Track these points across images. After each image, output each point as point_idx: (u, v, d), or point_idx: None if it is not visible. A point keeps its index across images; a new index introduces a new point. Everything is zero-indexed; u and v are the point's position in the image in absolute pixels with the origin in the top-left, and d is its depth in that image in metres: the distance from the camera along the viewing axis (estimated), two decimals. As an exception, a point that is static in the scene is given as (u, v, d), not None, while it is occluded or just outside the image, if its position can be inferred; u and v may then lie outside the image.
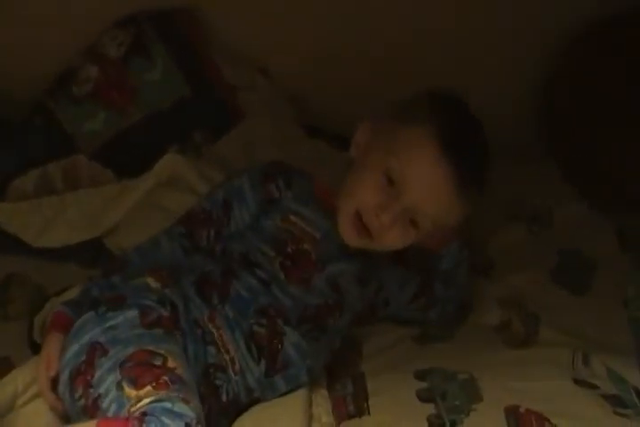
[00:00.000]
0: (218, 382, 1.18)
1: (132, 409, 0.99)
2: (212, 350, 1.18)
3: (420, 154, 1.19)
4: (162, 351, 1.07)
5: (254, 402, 1.21)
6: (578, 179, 1.75)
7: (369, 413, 1.19)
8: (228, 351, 1.19)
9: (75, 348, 1.13)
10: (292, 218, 1.27)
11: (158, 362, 1.05)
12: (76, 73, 1.75)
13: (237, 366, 1.19)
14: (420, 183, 1.19)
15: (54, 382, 1.16)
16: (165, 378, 1.02)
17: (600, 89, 1.70)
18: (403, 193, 1.19)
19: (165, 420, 0.96)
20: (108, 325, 1.12)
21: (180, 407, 0.98)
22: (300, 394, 1.22)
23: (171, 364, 1.06)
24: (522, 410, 1.13)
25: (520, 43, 1.82)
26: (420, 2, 1.78)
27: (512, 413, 1.13)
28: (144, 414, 0.97)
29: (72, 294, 1.37)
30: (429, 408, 1.16)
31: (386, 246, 1.25)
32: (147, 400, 0.99)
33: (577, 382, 1.20)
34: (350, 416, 1.19)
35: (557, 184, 1.76)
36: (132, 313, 1.13)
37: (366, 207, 1.21)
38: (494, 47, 1.83)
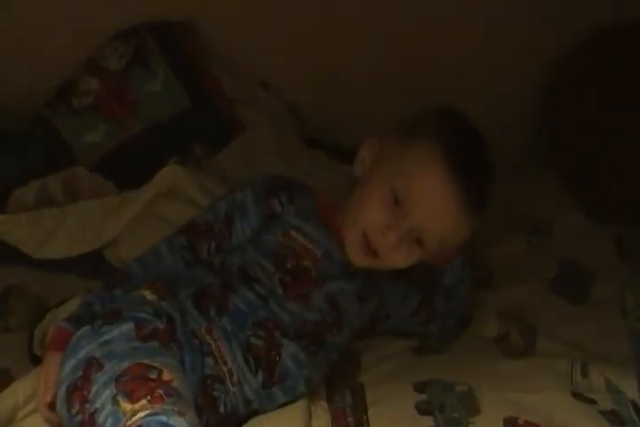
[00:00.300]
0: (215, 393, 1.17)
1: (128, 423, 0.99)
2: (209, 361, 1.18)
3: (427, 173, 1.19)
4: (157, 364, 1.07)
5: (253, 414, 1.21)
6: (578, 189, 1.76)
7: (368, 424, 1.18)
8: (225, 363, 1.18)
9: (72, 363, 1.12)
10: (293, 234, 1.26)
11: (153, 375, 1.05)
12: (76, 85, 1.77)
13: (235, 378, 1.18)
14: (427, 203, 1.18)
15: (52, 401, 1.16)
16: (160, 391, 1.02)
17: (604, 99, 1.71)
18: (409, 213, 1.19)
19: None
20: (103, 339, 1.12)
21: (176, 420, 0.98)
22: (300, 406, 1.21)
23: (166, 377, 1.05)
24: (520, 422, 1.13)
25: (521, 56, 1.83)
26: (418, 15, 1.79)
27: (510, 425, 1.13)
28: None
29: (72, 305, 1.37)
30: (428, 421, 1.16)
31: (391, 266, 1.25)
32: (142, 414, 0.99)
33: (575, 395, 1.20)
34: (350, 428, 1.19)
35: (556, 196, 1.77)
36: (128, 326, 1.12)
37: (372, 227, 1.20)
38: (495, 61, 1.84)
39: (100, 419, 1.03)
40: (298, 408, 1.21)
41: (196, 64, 1.82)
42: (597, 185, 1.71)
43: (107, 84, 1.76)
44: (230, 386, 1.18)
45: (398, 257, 1.22)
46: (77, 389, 1.09)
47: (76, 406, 1.09)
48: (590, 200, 1.72)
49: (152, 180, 1.65)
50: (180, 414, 0.99)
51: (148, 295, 1.20)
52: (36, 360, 1.30)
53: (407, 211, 1.19)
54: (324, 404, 1.25)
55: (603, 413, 1.17)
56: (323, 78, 1.86)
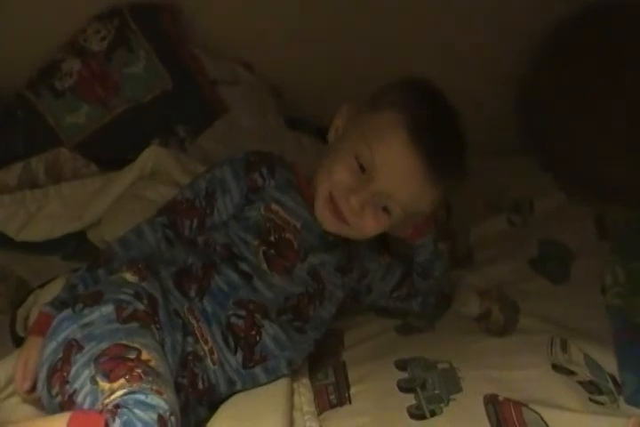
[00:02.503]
0: (196, 370, 1.18)
1: (106, 402, 0.99)
2: (190, 339, 1.19)
3: (389, 141, 1.21)
4: (136, 345, 1.07)
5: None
6: (557, 170, 1.77)
7: (350, 402, 1.19)
8: (206, 342, 1.19)
9: (52, 346, 1.12)
10: (274, 207, 1.27)
11: (132, 355, 1.05)
12: (58, 66, 1.76)
13: (215, 357, 1.19)
14: (389, 170, 1.21)
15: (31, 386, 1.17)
16: (139, 371, 1.02)
17: (581, 82, 1.72)
18: (372, 179, 1.21)
19: (138, 411, 0.96)
20: (83, 322, 1.12)
21: (153, 399, 0.98)
22: (282, 383, 1.22)
23: (145, 356, 1.05)
24: (501, 399, 1.14)
25: (501, 37, 1.83)
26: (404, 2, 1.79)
27: (491, 401, 1.14)
28: (117, 406, 0.97)
29: (55, 286, 1.37)
30: (410, 398, 1.17)
31: (360, 232, 1.26)
32: (120, 393, 0.99)
33: (555, 367, 1.21)
34: (332, 405, 1.20)
35: (537, 176, 1.78)
36: (108, 309, 1.12)
37: (338, 189, 1.22)
38: (477, 45, 1.84)
39: (79, 398, 1.04)
40: (280, 386, 1.22)
41: (178, 45, 1.81)
42: (576, 167, 1.72)
43: (89, 65, 1.75)
44: (211, 364, 1.19)
45: (365, 223, 1.23)
46: (57, 370, 1.09)
47: (56, 388, 1.09)
48: (569, 181, 1.73)
49: (135, 161, 1.64)
50: (158, 392, 0.99)
51: (129, 277, 1.20)
52: (19, 341, 1.30)
53: (370, 177, 1.21)
54: (306, 381, 1.26)
55: (581, 383, 1.19)
56: (306, 58, 1.86)
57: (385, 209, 1.23)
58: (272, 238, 1.26)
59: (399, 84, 1.28)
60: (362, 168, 1.22)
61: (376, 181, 1.21)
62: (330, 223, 1.25)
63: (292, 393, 1.21)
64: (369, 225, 1.24)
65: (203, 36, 1.85)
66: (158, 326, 1.15)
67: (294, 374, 1.25)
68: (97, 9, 1.77)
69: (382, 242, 1.37)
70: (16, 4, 1.71)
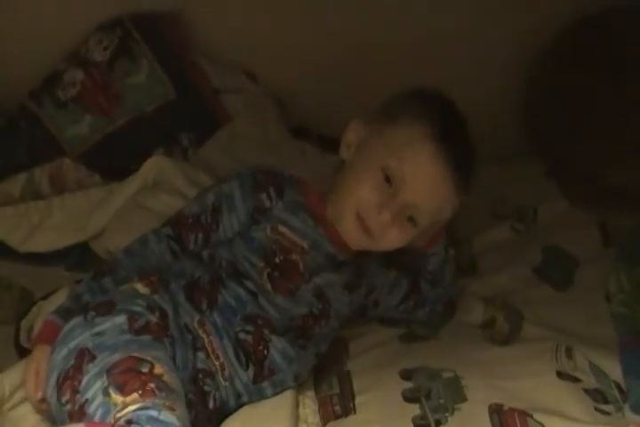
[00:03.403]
0: (207, 388, 1.17)
1: (118, 415, 0.98)
2: (201, 355, 1.18)
3: (418, 153, 1.22)
4: (149, 358, 1.06)
5: (241, 406, 1.21)
6: (561, 177, 1.77)
7: (355, 412, 1.19)
8: (217, 357, 1.19)
9: (63, 352, 1.12)
10: (281, 228, 1.27)
11: (145, 369, 1.04)
12: (61, 77, 1.76)
13: (227, 372, 1.19)
14: (419, 180, 1.22)
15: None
16: (152, 385, 1.01)
17: (585, 87, 1.71)
18: (401, 190, 1.22)
19: None
20: (96, 330, 1.11)
21: (166, 416, 0.97)
22: (287, 395, 1.22)
23: (157, 370, 1.05)
24: (505, 408, 1.14)
25: (505, 43, 1.83)
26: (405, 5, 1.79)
27: (496, 411, 1.13)
28: (129, 422, 0.96)
29: (59, 297, 1.37)
30: (414, 408, 1.17)
31: (386, 246, 1.27)
32: (132, 407, 0.98)
33: (560, 375, 1.21)
34: (337, 416, 1.20)
35: (541, 183, 1.78)
36: (121, 319, 1.12)
37: (366, 206, 1.22)
38: (480, 51, 1.85)
39: (90, 410, 1.03)
40: (286, 398, 1.21)
41: (180, 55, 1.81)
42: (580, 173, 1.72)
43: (91, 75, 1.75)
44: (222, 381, 1.19)
45: (393, 236, 1.24)
46: (68, 378, 1.09)
47: (67, 396, 1.09)
48: (573, 188, 1.73)
49: (138, 171, 1.64)
50: (171, 409, 0.99)
51: (141, 289, 1.20)
52: (23, 352, 1.30)
53: (398, 189, 1.22)
54: (311, 393, 1.26)
55: (587, 391, 1.19)
56: (309, 69, 1.86)
57: (410, 220, 1.24)
58: (277, 260, 1.26)
59: (416, 96, 1.28)
60: (387, 181, 1.22)
61: (405, 193, 1.22)
62: (358, 241, 1.25)
63: (297, 405, 1.21)
64: (396, 237, 1.24)
65: (205, 45, 1.85)
66: (170, 340, 1.15)
67: (299, 387, 1.25)
68: (100, 19, 1.77)
69: (388, 255, 1.37)
70: (18, 16, 1.72)
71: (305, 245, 1.27)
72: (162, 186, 1.64)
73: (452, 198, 1.25)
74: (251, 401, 1.21)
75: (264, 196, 1.28)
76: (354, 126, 1.30)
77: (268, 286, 1.24)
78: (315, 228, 1.28)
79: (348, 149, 1.30)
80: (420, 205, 1.22)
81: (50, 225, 1.60)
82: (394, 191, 1.22)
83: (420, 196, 1.22)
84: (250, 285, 1.24)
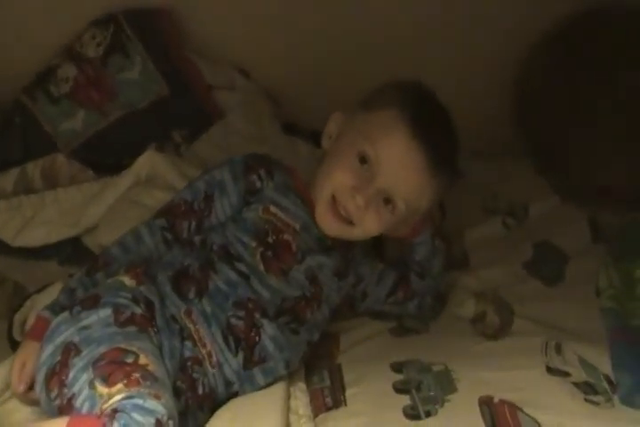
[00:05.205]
0: (195, 375, 1.18)
1: (104, 406, 0.99)
2: (188, 344, 1.19)
3: (393, 136, 1.23)
4: (134, 349, 1.07)
5: (233, 396, 1.22)
6: (551, 174, 1.78)
7: (346, 404, 1.20)
8: (204, 345, 1.19)
9: (50, 348, 1.13)
10: (273, 209, 1.28)
11: (130, 360, 1.06)
12: (54, 72, 1.76)
13: (214, 360, 1.19)
14: (394, 164, 1.23)
15: (26, 388, 1.17)
16: (137, 375, 1.02)
17: (571, 84, 1.72)
18: (376, 174, 1.23)
19: (136, 416, 0.97)
20: (81, 325, 1.12)
21: (151, 404, 0.98)
22: (279, 387, 1.23)
23: (142, 361, 1.06)
24: (496, 400, 1.15)
25: (498, 39, 1.84)
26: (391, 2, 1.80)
27: (486, 403, 1.14)
28: (115, 410, 0.97)
29: (52, 291, 1.37)
30: (405, 399, 1.18)
31: (364, 232, 1.27)
32: (118, 397, 0.99)
33: (549, 369, 1.22)
34: (327, 408, 1.21)
35: (532, 179, 1.79)
36: (106, 312, 1.13)
37: (341, 190, 1.23)
38: (473, 47, 1.85)
39: (78, 403, 1.04)
40: (277, 390, 1.22)
41: (174, 51, 1.81)
42: (570, 169, 1.73)
43: (85, 71, 1.76)
44: (209, 368, 1.19)
45: (369, 221, 1.24)
46: (55, 373, 1.10)
47: (55, 391, 1.10)
48: (564, 184, 1.73)
49: (131, 166, 1.65)
50: (156, 397, 1.00)
51: (127, 281, 1.20)
52: (16, 346, 1.29)
53: (374, 173, 1.23)
54: (302, 385, 1.26)
55: (576, 384, 1.20)
56: (302, 65, 1.87)
57: (387, 204, 1.24)
58: (270, 240, 1.27)
59: (393, 85, 1.31)
60: (363, 165, 1.23)
61: (381, 176, 1.22)
62: (332, 227, 1.26)
63: (288, 397, 1.22)
64: (373, 222, 1.25)
65: (199, 41, 1.85)
66: (156, 329, 1.16)
67: (290, 378, 1.26)
68: (94, 15, 1.78)
69: (376, 248, 1.38)
70: (12, 11, 1.72)
71: (297, 226, 1.28)
72: (155, 181, 1.64)
73: (429, 183, 1.25)
74: (242, 390, 1.22)
75: (255, 177, 1.30)
76: (334, 117, 1.33)
77: (261, 267, 1.25)
78: (304, 210, 1.29)
79: (329, 139, 1.32)
80: (395, 187, 1.23)
81: (43, 219, 1.60)
82: (370, 175, 1.23)
83: (394, 178, 1.23)
84: (242, 267, 1.24)
